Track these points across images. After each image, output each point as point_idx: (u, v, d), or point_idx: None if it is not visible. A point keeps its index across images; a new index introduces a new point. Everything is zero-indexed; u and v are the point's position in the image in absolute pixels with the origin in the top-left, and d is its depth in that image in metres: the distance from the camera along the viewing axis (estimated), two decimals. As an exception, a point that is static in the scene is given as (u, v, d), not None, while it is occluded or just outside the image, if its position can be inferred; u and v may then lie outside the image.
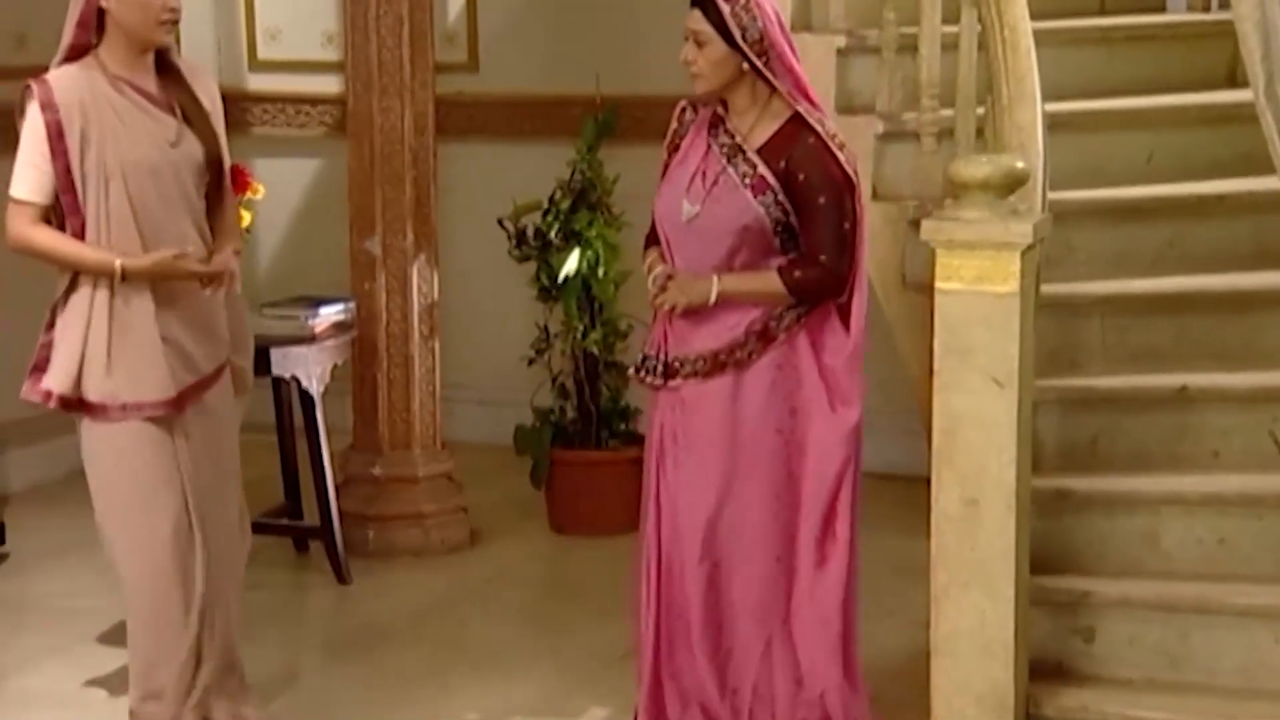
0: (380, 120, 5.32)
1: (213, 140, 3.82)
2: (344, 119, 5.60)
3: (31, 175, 3.69)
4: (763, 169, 3.64)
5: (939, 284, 3.63)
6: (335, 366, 5.26)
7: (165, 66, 3.80)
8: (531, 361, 5.72)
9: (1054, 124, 4.00)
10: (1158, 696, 3.81)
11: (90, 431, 3.77)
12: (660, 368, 3.74)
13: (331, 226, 5.95)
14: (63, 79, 3.69)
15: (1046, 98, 3.89)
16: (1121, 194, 4.46)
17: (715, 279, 3.65)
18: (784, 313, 3.67)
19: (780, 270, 3.65)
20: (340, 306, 5.31)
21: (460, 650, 4.72)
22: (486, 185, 6.31)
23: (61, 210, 3.72)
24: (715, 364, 3.69)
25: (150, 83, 3.76)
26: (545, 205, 5.63)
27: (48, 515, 5.77)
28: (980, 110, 4.09)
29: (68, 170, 3.66)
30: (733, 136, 3.69)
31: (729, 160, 3.68)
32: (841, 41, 4.52)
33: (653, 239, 3.83)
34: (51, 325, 3.78)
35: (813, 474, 3.69)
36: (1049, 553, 3.93)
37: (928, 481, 3.72)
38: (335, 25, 6.37)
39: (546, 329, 5.72)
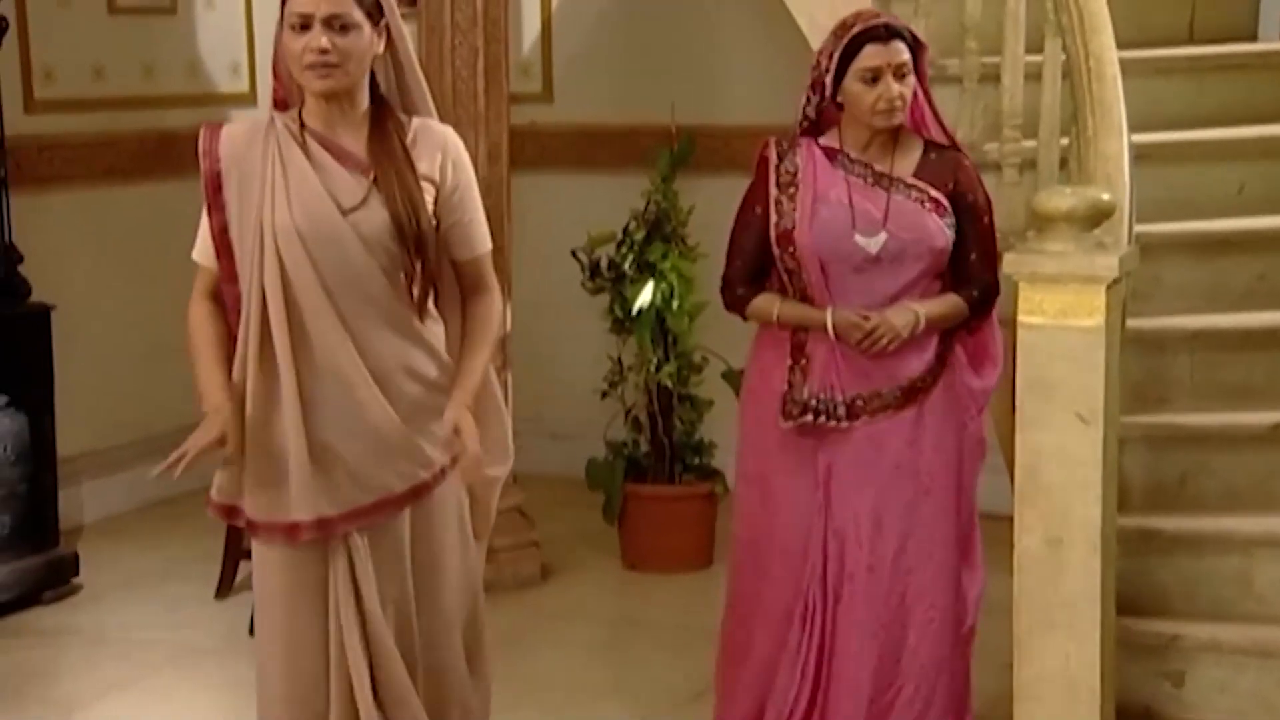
0: (455, 151, 5.29)
1: (406, 208, 3.10)
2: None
3: (202, 234, 3.21)
4: (934, 193, 3.65)
5: (1022, 318, 3.55)
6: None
7: (383, 125, 3.16)
8: (605, 394, 5.68)
9: (1141, 155, 3.92)
10: (1250, 744, 3.71)
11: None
12: (841, 409, 3.68)
13: (405, 258, 5.93)
14: (237, 126, 3.21)
15: (1133, 128, 3.82)
16: (1211, 227, 4.37)
17: (915, 309, 3.64)
18: (947, 334, 3.72)
19: (958, 291, 3.70)
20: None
21: (531, 686, 4.66)
22: (560, 216, 6.28)
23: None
24: (910, 394, 3.69)
25: (353, 139, 3.14)
26: (619, 236, 5.59)
27: (121, 547, 5.78)
28: (1064, 141, 4.03)
29: (223, 229, 3.14)
30: (870, 167, 3.66)
31: (887, 189, 3.64)
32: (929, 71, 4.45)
33: (748, 279, 3.76)
34: None
35: (968, 493, 3.79)
36: (1136, 594, 3.84)
37: (1011, 519, 3.64)
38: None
39: (620, 361, 5.68)
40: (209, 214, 3.16)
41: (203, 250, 3.22)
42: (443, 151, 3.18)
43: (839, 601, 3.72)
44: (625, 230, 5.57)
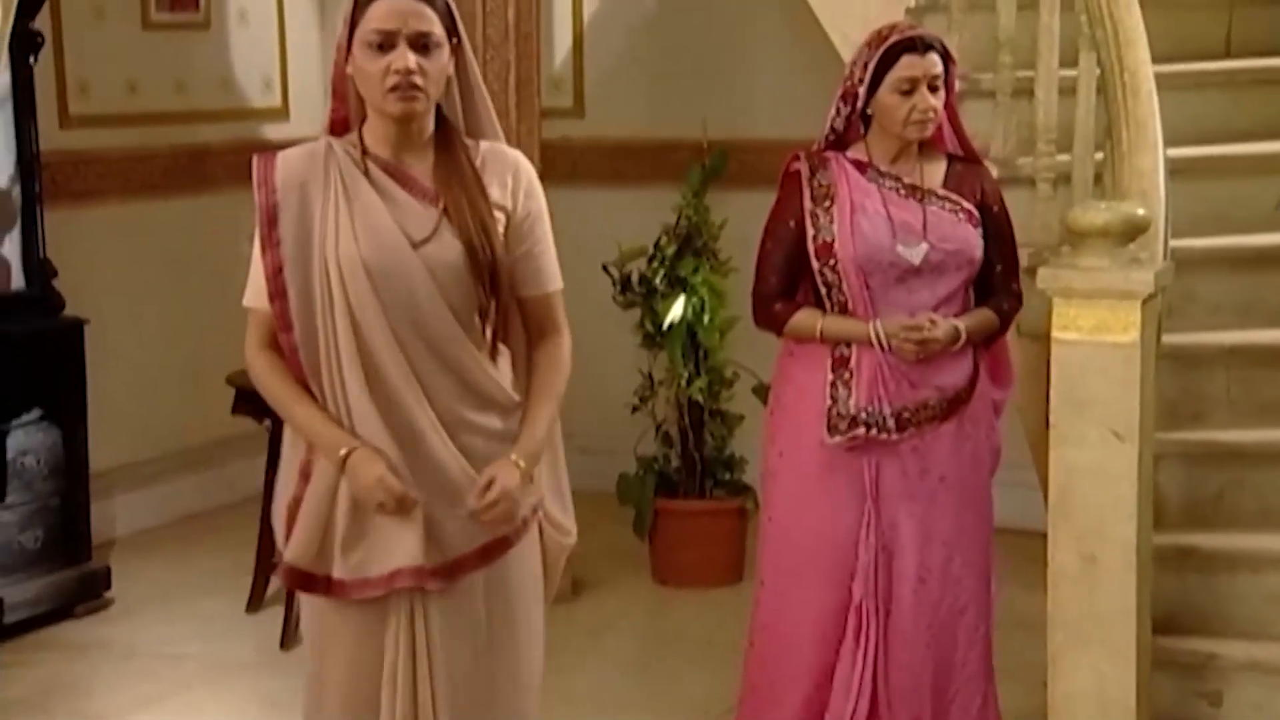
0: (486, 166, 5.28)
1: (480, 238, 2.84)
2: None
3: (254, 275, 2.86)
4: (965, 204, 3.68)
5: (1056, 333, 3.53)
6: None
7: (450, 149, 2.90)
8: (635, 409, 5.66)
9: (1176, 170, 3.89)
10: (1288, 765, 3.67)
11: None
12: (890, 420, 3.66)
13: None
14: (293, 154, 2.88)
15: (1169, 143, 3.79)
16: (1247, 241, 4.33)
17: (957, 323, 3.65)
18: (977, 346, 3.75)
19: (986, 303, 3.73)
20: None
21: (562, 700, 4.63)
22: (591, 231, 6.27)
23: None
24: (954, 403, 3.69)
25: (419, 166, 2.87)
26: (650, 251, 5.58)
27: (153, 561, 5.79)
28: (1099, 156, 4.00)
29: (278, 270, 2.80)
30: (900, 179, 3.67)
31: (921, 200, 3.64)
32: (956, 85, 4.43)
33: (782, 294, 3.74)
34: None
35: (990, 502, 3.82)
36: (1172, 612, 3.80)
37: (1043, 535, 3.61)
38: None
39: (651, 376, 5.66)
40: (263, 252, 2.82)
41: (256, 294, 2.87)
42: (514, 176, 2.92)
43: (890, 614, 3.71)
44: (656, 245, 5.56)
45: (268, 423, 5.15)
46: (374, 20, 2.80)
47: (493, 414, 2.92)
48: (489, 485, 2.85)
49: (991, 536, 3.83)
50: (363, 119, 2.89)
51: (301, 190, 2.83)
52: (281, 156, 2.87)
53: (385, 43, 2.79)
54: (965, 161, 3.76)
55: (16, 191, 5.19)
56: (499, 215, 2.89)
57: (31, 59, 5.14)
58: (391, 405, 2.82)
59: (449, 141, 2.90)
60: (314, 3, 6.87)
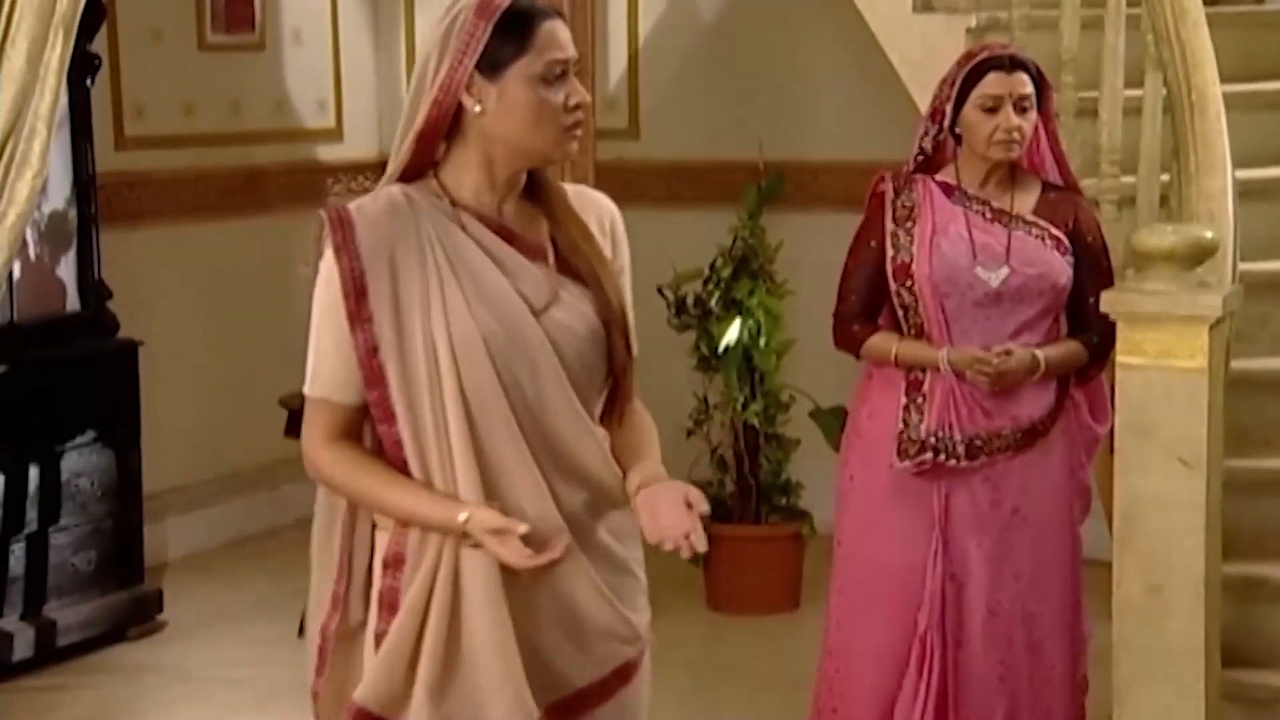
0: (541, 187, 5.25)
1: (614, 304, 2.47)
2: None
3: (322, 357, 2.41)
4: (1055, 231, 3.62)
5: (1121, 358, 3.47)
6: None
7: (546, 192, 2.49)
8: (690, 433, 5.61)
9: (1245, 191, 3.84)
10: (1360, 802, 3.58)
11: None
12: (960, 447, 3.61)
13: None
14: (371, 210, 2.39)
15: (1238, 164, 3.74)
16: (1319, 265, 4.25)
17: (1036, 353, 3.59)
18: (1064, 378, 3.68)
19: (1076, 336, 3.66)
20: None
21: (616, 731, 4.60)
22: (646, 252, 6.17)
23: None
24: (1030, 436, 3.63)
25: (518, 215, 2.45)
26: (706, 273, 5.54)
27: (205, 583, 5.78)
28: (1165, 177, 3.94)
29: (373, 350, 2.35)
30: (988, 203, 3.62)
31: (1007, 225, 3.59)
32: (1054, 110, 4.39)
33: (862, 315, 3.70)
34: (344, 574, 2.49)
35: (1077, 542, 3.75)
36: (1242, 644, 3.72)
37: (1109, 565, 3.54)
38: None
39: (706, 400, 5.61)
40: (352, 329, 2.35)
41: (330, 380, 2.40)
42: (606, 223, 2.55)
43: (959, 646, 3.65)
44: (712, 266, 5.52)
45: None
46: (549, 48, 2.37)
47: (623, 509, 2.48)
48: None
49: (1079, 576, 3.75)
50: (435, 162, 2.45)
51: (390, 253, 2.36)
52: (359, 214, 2.39)
53: (564, 72, 2.39)
54: (1061, 190, 3.69)
55: (72, 213, 5.20)
56: None
57: (89, 81, 5.16)
58: (514, 514, 2.36)
59: (547, 184, 2.48)
60: (369, 23, 6.87)
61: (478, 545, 2.35)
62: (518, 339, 2.37)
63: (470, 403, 2.35)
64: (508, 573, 2.36)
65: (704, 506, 2.38)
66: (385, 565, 2.43)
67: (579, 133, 2.41)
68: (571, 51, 2.39)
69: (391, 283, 2.36)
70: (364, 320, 2.35)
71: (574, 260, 2.44)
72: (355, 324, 2.36)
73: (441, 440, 2.36)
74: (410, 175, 2.45)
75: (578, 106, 2.39)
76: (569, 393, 2.41)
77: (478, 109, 2.38)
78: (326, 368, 2.41)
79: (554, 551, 2.35)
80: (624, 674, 2.52)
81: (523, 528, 2.34)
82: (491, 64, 2.37)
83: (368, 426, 2.43)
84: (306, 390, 2.44)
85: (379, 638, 2.42)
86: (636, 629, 2.51)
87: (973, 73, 3.57)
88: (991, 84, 3.54)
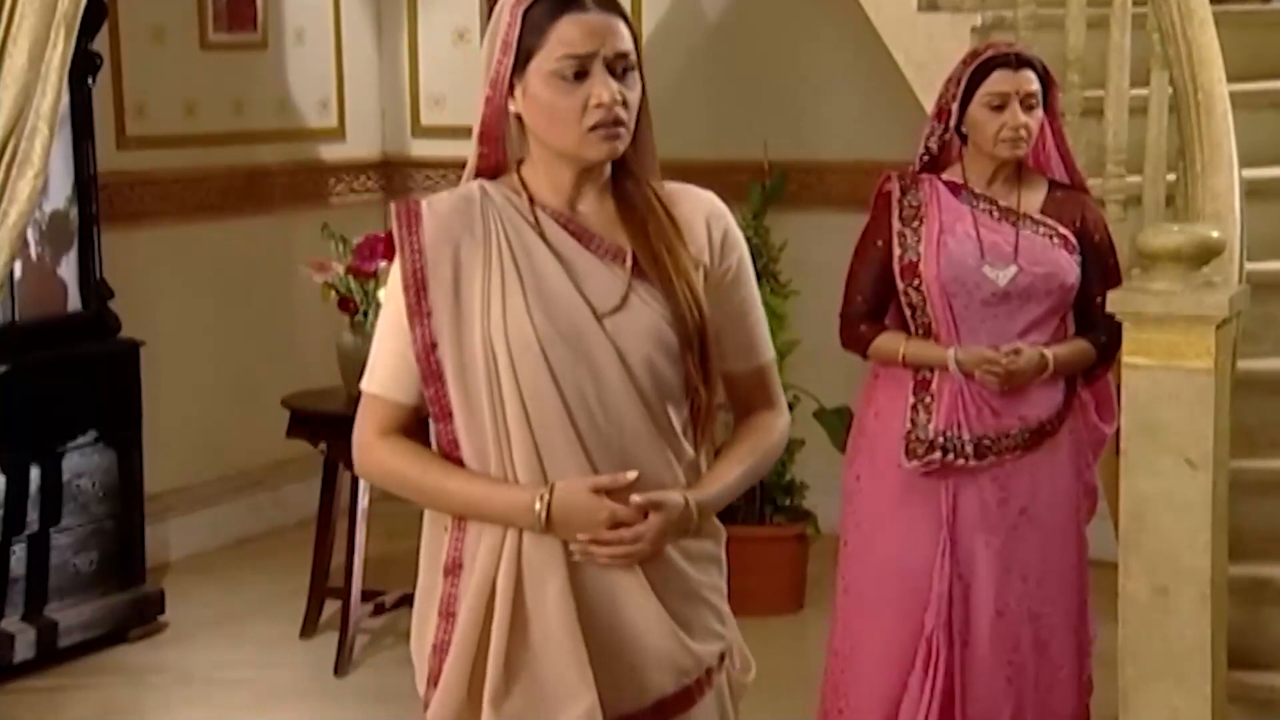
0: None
1: (689, 301, 2.31)
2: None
3: (381, 354, 2.37)
4: (1063, 229, 3.60)
5: (1127, 358, 3.46)
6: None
7: (635, 192, 2.37)
8: (694, 433, 5.59)
9: (1253, 191, 3.83)
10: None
11: None
12: (969, 447, 3.59)
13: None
14: (443, 203, 2.35)
15: (1245, 163, 3.73)
16: (1327, 264, 4.24)
17: (1045, 352, 3.57)
18: (1072, 378, 3.67)
19: (1084, 335, 3.65)
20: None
21: (619, 732, 4.58)
22: (650, 253, 6.23)
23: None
24: (1038, 436, 3.62)
25: (598, 216, 2.36)
26: (710, 273, 5.51)
27: (206, 584, 5.76)
28: (1171, 177, 3.92)
29: (431, 347, 2.30)
30: (995, 202, 3.61)
31: (1015, 224, 3.58)
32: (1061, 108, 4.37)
33: (869, 315, 3.68)
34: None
35: (1084, 542, 3.73)
36: (1249, 646, 3.71)
37: (1115, 566, 3.53)
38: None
39: (710, 400, 5.59)
40: (411, 325, 2.30)
41: (383, 379, 2.36)
42: (708, 222, 2.40)
43: (966, 646, 3.63)
44: (716, 267, 5.50)
45: (322, 445, 5.12)
46: (566, 42, 2.27)
47: (704, 533, 2.40)
48: (650, 506, 2.28)
49: (1085, 576, 3.74)
50: (520, 158, 2.37)
51: (455, 249, 2.31)
52: (428, 206, 2.34)
53: (580, 69, 2.28)
54: (1068, 189, 3.68)
55: (73, 213, 5.18)
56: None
57: (90, 80, 5.14)
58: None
59: (633, 184, 2.37)
60: (371, 23, 6.85)
61: (551, 532, 2.25)
62: (579, 344, 2.28)
63: (528, 405, 2.27)
64: (571, 582, 2.28)
65: (645, 528, 2.27)
66: (445, 572, 2.35)
67: (616, 131, 2.28)
68: (590, 47, 2.27)
69: (454, 279, 2.30)
70: (423, 315, 2.30)
71: (652, 271, 2.31)
72: (414, 318, 2.30)
73: (501, 440, 2.29)
74: (491, 172, 2.39)
75: (601, 105, 2.26)
76: (637, 400, 2.30)
77: (513, 107, 2.33)
78: (384, 363, 2.36)
79: (625, 482, 2.26)
80: (679, 704, 2.39)
81: (631, 474, 2.26)
82: (522, 60, 2.30)
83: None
84: (364, 385, 2.39)
85: (437, 648, 2.34)
86: (699, 656, 2.37)
87: (978, 71, 3.56)
88: (997, 82, 3.53)
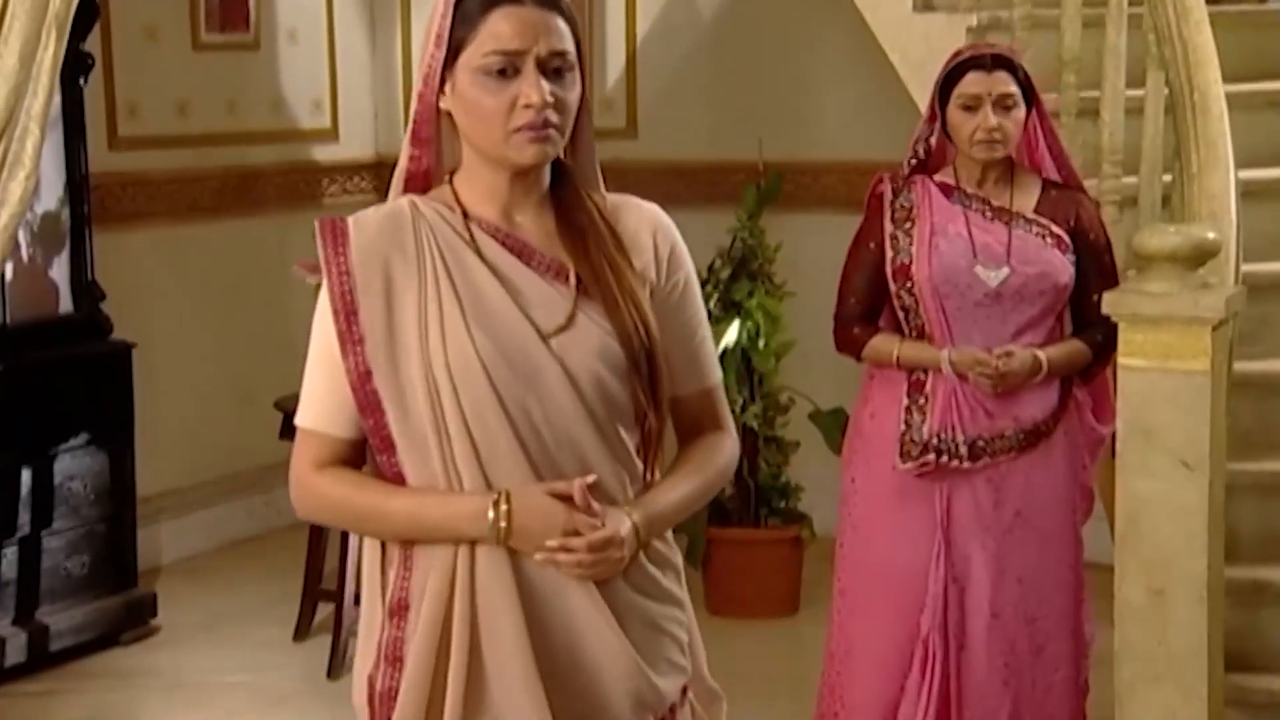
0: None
1: (634, 320, 2.18)
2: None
3: (314, 385, 2.21)
4: (1056, 229, 3.58)
5: (1122, 360, 3.45)
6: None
7: (576, 205, 2.24)
8: (689, 435, 5.58)
9: (1249, 191, 3.82)
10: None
11: None
12: (963, 448, 3.58)
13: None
14: (369, 220, 2.19)
15: (1241, 164, 3.72)
16: (1323, 265, 4.23)
17: (1039, 354, 3.56)
18: (1068, 378, 3.66)
19: (1080, 335, 3.63)
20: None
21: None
22: (644, 254, 6.21)
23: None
24: (1033, 437, 3.60)
25: (537, 229, 2.22)
26: (704, 274, 5.50)
27: (199, 588, 5.74)
28: (1167, 178, 3.91)
29: (365, 376, 2.15)
30: (988, 202, 3.59)
31: (1008, 224, 3.56)
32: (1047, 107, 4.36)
33: (862, 318, 3.67)
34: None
35: (1080, 543, 3.71)
36: (1246, 649, 3.70)
37: (1111, 568, 3.52)
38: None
39: (704, 402, 5.58)
40: (343, 352, 2.15)
41: (323, 413, 2.20)
42: (654, 236, 2.27)
43: (962, 648, 3.62)
44: (711, 268, 5.48)
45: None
46: (495, 38, 2.13)
47: (663, 562, 2.26)
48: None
49: (1080, 579, 3.72)
50: (453, 168, 2.23)
51: (385, 268, 2.15)
52: (355, 224, 2.18)
53: (509, 67, 2.13)
54: (1062, 188, 3.66)
55: (65, 214, 5.16)
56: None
57: (82, 81, 5.12)
58: (525, 564, 2.15)
59: (571, 195, 2.23)
60: (365, 23, 6.83)
61: (509, 541, 2.12)
62: (524, 364, 2.14)
63: (474, 432, 2.13)
64: (527, 618, 2.15)
65: (597, 537, 2.14)
66: (391, 613, 2.20)
67: (545, 134, 2.14)
68: (521, 44, 2.12)
69: (385, 302, 2.15)
70: (355, 342, 2.15)
71: (594, 289, 2.18)
72: (346, 345, 2.15)
73: (449, 468, 2.15)
74: (419, 184, 2.24)
75: (528, 106, 2.12)
76: (587, 421, 2.17)
77: (444, 104, 2.19)
78: (317, 395, 2.21)
79: (592, 511, 2.12)
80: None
81: (591, 477, 2.13)
82: (453, 53, 2.16)
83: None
84: (298, 421, 2.23)
85: (383, 697, 2.19)
86: (662, 693, 2.23)
87: (954, 73, 3.56)
88: (970, 83, 3.53)
